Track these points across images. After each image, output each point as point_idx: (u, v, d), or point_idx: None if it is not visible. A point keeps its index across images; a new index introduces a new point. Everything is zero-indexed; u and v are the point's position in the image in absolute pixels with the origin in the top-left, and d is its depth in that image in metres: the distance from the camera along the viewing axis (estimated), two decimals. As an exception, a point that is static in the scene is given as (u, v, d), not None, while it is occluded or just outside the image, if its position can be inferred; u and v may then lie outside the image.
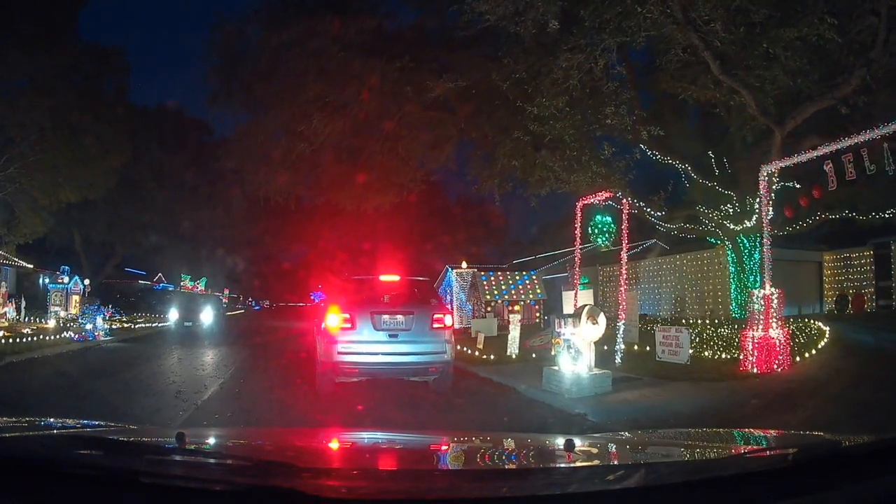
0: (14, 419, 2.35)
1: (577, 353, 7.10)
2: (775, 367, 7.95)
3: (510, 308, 20.93)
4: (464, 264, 23.90)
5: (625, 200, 10.29)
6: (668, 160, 14.55)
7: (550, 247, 30.40)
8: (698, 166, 14.84)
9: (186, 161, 33.41)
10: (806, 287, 19.31)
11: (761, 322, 8.18)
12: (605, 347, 9.00)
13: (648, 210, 14.66)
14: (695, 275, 21.44)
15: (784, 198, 11.20)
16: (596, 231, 12.80)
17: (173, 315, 22.68)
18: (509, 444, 2.53)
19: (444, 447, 2.42)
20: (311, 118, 16.60)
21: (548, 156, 13.71)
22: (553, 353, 10.20)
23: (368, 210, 21.14)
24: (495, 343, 12.68)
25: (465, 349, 12.27)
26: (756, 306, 8.37)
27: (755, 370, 7.95)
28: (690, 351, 9.22)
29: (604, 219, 12.80)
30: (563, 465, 1.79)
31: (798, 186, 8.88)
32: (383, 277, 8.89)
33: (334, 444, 2.41)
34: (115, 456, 1.50)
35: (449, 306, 23.67)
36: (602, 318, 7.14)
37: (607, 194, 10.69)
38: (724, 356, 9.32)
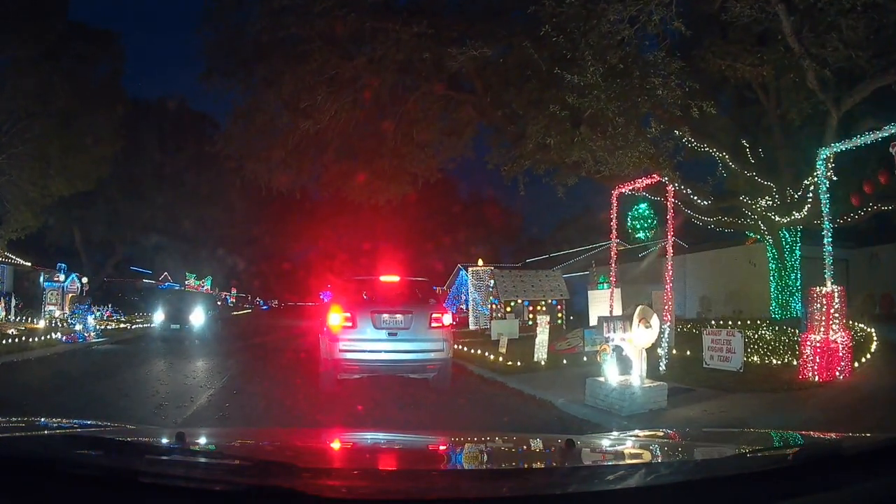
0: (12, 419, 2.54)
1: (627, 361, 6.73)
2: (837, 374, 7.86)
3: (531, 308, 20.90)
4: (480, 262, 24.02)
5: (670, 187, 10.04)
6: (704, 147, 14.30)
7: (567, 245, 30.38)
8: (734, 156, 14.54)
9: (189, 158, 34.20)
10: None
11: (822, 324, 8.09)
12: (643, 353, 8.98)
13: (695, 198, 14.45)
14: (722, 272, 21.23)
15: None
16: (637, 224, 12.65)
17: (159, 317, 21.30)
18: (509, 444, 2.66)
19: (443, 447, 2.56)
20: (315, 92, 16.21)
21: (588, 132, 13.00)
22: (587, 360, 10.27)
23: (378, 204, 20.97)
24: (519, 347, 12.66)
25: (486, 354, 12.26)
26: (816, 306, 8.27)
27: (816, 378, 7.79)
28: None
29: (645, 210, 12.65)
30: (563, 465, 1.90)
31: (836, 178, 8.70)
32: (384, 278, 9.95)
33: (335, 444, 2.56)
34: (114, 456, 1.60)
35: (464, 307, 23.85)
36: (655, 321, 6.68)
37: (647, 181, 10.51)
38: (774, 362, 9.26)
